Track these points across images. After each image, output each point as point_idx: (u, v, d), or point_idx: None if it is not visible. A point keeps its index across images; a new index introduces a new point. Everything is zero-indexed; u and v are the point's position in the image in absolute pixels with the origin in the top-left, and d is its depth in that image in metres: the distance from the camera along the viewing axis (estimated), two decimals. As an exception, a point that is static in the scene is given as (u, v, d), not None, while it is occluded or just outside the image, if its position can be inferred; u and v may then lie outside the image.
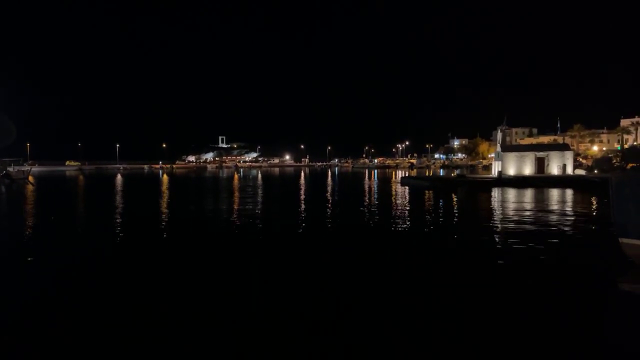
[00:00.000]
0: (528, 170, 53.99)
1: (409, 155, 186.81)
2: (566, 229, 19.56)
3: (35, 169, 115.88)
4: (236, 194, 41.76)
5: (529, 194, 37.64)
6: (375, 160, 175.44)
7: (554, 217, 23.13)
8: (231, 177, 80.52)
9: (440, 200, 33.19)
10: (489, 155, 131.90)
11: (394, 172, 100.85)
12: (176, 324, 8.67)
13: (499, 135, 61.60)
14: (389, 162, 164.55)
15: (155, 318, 9.03)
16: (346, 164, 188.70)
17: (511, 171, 53.97)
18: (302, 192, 44.85)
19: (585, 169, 62.20)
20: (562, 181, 47.16)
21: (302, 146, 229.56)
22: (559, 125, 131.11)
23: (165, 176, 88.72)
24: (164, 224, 22.61)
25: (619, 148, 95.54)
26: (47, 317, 9.25)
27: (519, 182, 48.19)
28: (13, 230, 21.20)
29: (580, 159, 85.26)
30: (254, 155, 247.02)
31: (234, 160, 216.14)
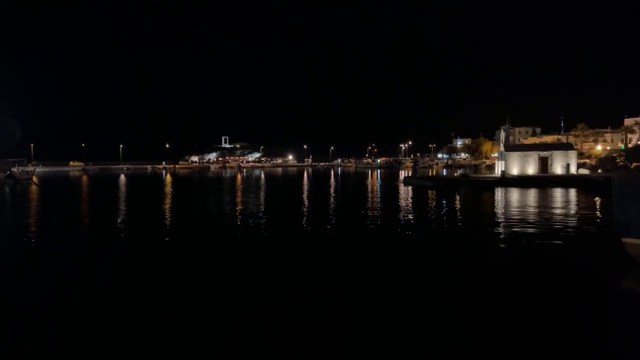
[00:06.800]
0: (531, 169, 53.89)
1: (411, 155, 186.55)
2: (569, 228, 19.54)
3: (39, 169, 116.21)
4: (240, 194, 41.85)
5: (532, 193, 37.58)
6: (379, 160, 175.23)
7: (556, 217, 23.10)
8: (234, 178, 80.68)
9: (443, 200, 33.19)
10: (492, 155, 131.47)
11: (397, 172, 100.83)
12: (176, 323, 8.74)
13: (502, 134, 61.28)
14: (392, 161, 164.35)
15: (156, 318, 9.10)
16: (349, 164, 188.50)
17: (514, 171, 53.88)
18: (305, 192, 44.91)
19: (589, 169, 61.97)
20: (565, 181, 47.03)
21: (304, 146, 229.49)
22: (562, 125, 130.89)
23: (168, 176, 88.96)
24: (167, 224, 22.70)
25: (622, 147, 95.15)
26: (48, 315, 9.35)
27: (523, 181, 48.09)
28: (16, 231, 21.31)
29: (584, 159, 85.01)
30: (257, 155, 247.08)
31: (237, 161, 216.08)
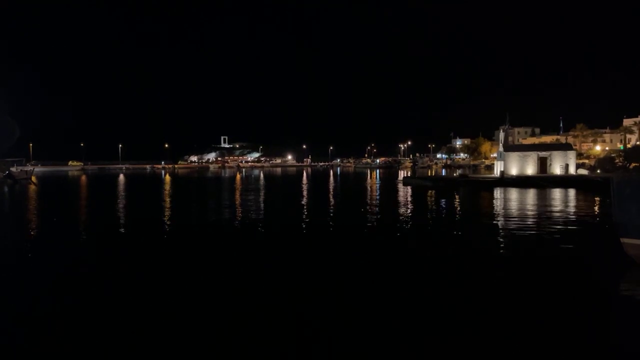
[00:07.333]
0: (530, 170, 53.93)
1: (410, 155, 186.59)
2: (568, 228, 19.57)
3: (38, 169, 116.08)
4: (239, 194, 41.84)
5: (531, 193, 37.62)
6: (378, 160, 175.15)
7: (555, 217, 23.14)
8: (234, 178, 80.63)
9: (443, 200, 33.22)
10: (492, 155, 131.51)
11: (396, 172, 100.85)
12: (176, 323, 8.75)
13: (502, 135, 61.34)
14: (391, 161, 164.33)
15: (156, 318, 9.11)
16: (348, 164, 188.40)
17: (513, 171, 53.93)
18: (305, 192, 44.91)
19: (587, 169, 62.03)
20: (564, 181, 47.06)
21: (304, 146, 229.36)
22: (561, 125, 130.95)
23: (167, 176, 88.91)
24: (166, 224, 22.70)
25: (621, 148, 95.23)
26: (48, 315, 9.36)
27: (521, 182, 48.13)
28: (15, 231, 21.30)
29: (583, 159, 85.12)
30: (256, 155, 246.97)
31: (236, 160, 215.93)
